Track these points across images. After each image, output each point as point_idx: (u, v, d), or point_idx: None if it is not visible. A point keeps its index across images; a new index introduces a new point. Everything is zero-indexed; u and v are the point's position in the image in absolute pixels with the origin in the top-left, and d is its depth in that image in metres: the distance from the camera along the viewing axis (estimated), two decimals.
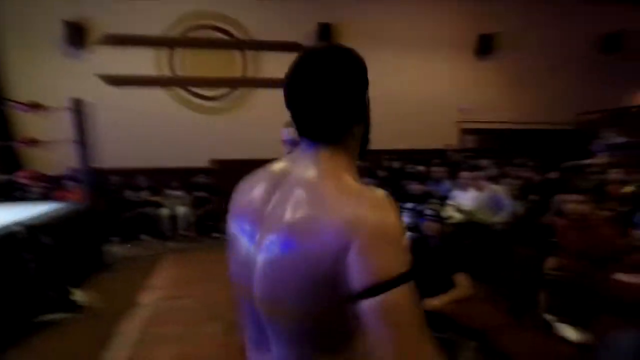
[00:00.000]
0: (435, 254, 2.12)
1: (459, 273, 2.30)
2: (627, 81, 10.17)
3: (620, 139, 6.97)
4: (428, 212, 2.46)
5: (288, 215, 0.63)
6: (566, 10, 9.49)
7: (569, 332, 1.70)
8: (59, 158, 6.21)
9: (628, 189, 4.02)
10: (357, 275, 0.57)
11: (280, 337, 0.68)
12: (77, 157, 4.44)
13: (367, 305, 0.56)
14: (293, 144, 1.54)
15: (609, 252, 2.22)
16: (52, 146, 5.26)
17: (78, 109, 4.35)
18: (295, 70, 0.68)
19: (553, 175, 5.31)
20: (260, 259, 0.66)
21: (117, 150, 7.12)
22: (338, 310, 0.61)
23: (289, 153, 1.58)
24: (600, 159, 5.01)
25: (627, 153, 6.01)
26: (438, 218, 2.46)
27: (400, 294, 0.56)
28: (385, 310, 0.55)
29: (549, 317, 1.90)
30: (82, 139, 4.39)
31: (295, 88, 0.68)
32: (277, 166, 0.76)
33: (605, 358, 1.48)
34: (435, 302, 2.28)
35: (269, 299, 0.65)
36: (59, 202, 4.43)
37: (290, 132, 1.58)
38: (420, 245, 2.32)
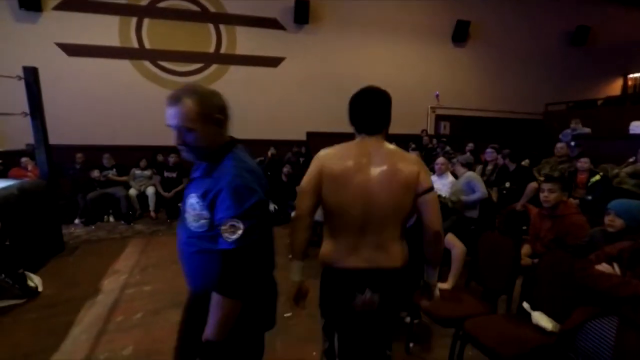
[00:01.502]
0: (414, 231, 2.07)
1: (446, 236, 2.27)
2: (592, 74, 10.51)
3: (586, 130, 7.23)
4: None
5: (386, 162, 1.33)
6: (537, 2, 9.59)
7: (544, 322, 1.70)
8: (13, 133, 5.77)
9: (595, 177, 4.15)
10: (423, 185, 1.33)
11: (384, 225, 1.34)
12: (33, 132, 4.09)
13: (426, 197, 1.33)
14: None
15: (583, 241, 2.25)
16: (4, 120, 4.85)
17: (33, 78, 3.97)
18: (359, 98, 1.39)
19: (525, 163, 5.42)
20: (374, 186, 1.30)
21: (81, 126, 6.69)
22: (412, 203, 1.34)
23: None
24: (568, 149, 5.13)
25: (593, 143, 6.22)
26: None
27: (434, 193, 1.36)
28: (431, 198, 1.34)
29: (525, 305, 1.90)
30: (37, 112, 4.02)
31: (360, 108, 1.38)
32: (356, 143, 1.40)
33: (581, 348, 1.48)
34: (445, 286, 2.26)
35: (382, 205, 1.31)
36: (13, 181, 4.08)
37: None
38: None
